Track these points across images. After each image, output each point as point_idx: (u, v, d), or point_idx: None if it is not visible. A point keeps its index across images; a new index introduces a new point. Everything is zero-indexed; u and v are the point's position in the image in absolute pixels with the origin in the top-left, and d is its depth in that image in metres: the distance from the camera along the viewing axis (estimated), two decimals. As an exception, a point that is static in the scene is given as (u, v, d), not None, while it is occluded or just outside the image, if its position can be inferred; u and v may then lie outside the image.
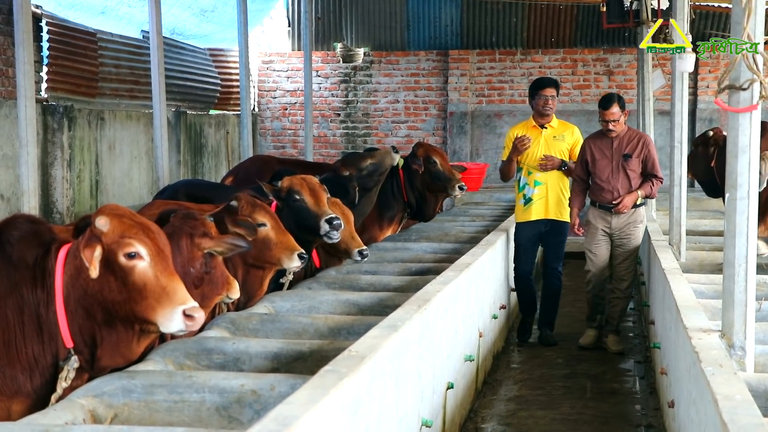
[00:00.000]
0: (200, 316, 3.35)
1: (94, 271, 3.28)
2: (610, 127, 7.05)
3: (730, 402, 3.03)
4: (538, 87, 7.39)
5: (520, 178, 7.48)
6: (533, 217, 7.42)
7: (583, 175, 7.29)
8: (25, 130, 6.38)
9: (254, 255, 4.84)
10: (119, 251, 3.33)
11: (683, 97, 7.07)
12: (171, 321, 3.31)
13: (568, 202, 7.43)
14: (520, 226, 7.60)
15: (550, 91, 7.32)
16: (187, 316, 3.31)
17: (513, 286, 7.94)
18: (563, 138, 7.41)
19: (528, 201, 7.41)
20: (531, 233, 7.51)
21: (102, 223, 3.36)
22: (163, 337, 3.95)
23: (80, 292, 3.36)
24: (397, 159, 7.27)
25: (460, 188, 8.04)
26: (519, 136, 7.30)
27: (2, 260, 3.40)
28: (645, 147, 7.11)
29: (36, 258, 3.40)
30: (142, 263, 3.35)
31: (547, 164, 7.31)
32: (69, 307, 3.36)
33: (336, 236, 5.65)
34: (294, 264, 4.95)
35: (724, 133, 8.42)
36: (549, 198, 7.38)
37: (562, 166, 7.35)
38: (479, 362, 6.25)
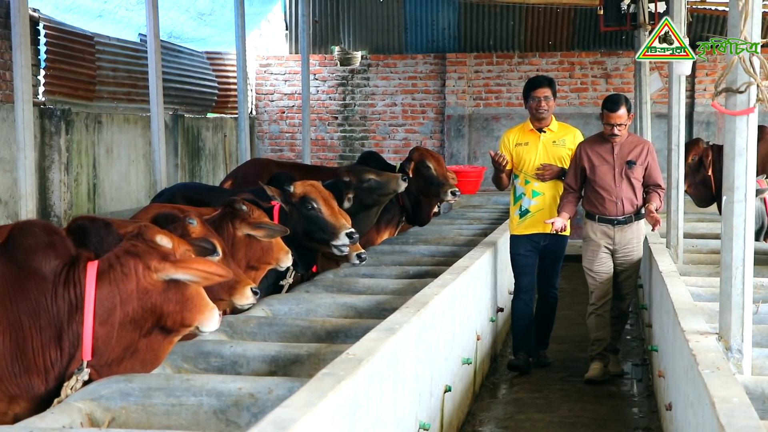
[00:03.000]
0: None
1: (229, 275, 3.56)
2: (616, 131, 6.38)
3: (728, 404, 3.03)
4: (530, 88, 6.67)
5: (515, 186, 6.80)
6: (531, 231, 6.71)
7: (574, 185, 6.57)
8: (22, 133, 6.37)
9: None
10: None
11: (680, 100, 7.07)
12: (212, 321, 3.59)
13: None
14: (515, 239, 6.85)
15: (543, 92, 6.59)
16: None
17: (505, 301, 7.50)
18: (564, 143, 6.71)
19: (525, 213, 6.70)
20: (528, 247, 6.77)
21: (165, 241, 3.52)
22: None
23: (134, 307, 3.41)
24: (403, 186, 7.02)
25: (453, 194, 7.92)
26: (497, 153, 6.64)
27: (15, 265, 3.40)
28: (648, 155, 6.51)
29: (55, 268, 3.40)
30: None
31: (545, 174, 6.63)
32: (110, 321, 3.38)
33: (347, 250, 5.65)
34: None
35: (711, 143, 8.54)
36: (549, 210, 6.65)
37: (561, 175, 6.66)
38: (477, 365, 6.25)
